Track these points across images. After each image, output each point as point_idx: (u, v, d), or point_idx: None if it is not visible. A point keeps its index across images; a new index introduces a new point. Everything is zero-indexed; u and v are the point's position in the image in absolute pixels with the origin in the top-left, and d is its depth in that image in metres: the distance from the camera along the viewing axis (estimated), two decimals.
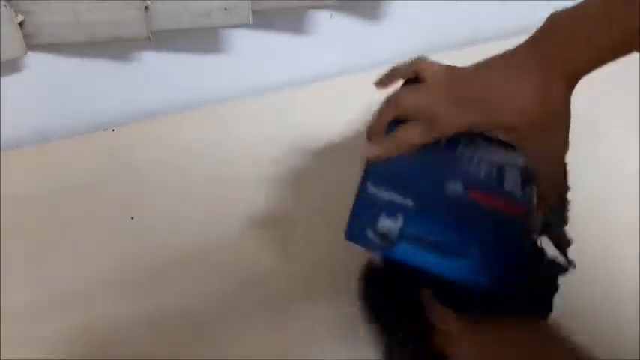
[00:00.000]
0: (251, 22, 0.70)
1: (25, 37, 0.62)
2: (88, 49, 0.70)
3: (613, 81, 0.81)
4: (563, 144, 0.44)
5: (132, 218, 0.63)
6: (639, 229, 0.64)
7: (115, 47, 0.73)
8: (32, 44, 0.64)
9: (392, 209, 0.46)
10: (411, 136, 0.45)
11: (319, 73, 0.84)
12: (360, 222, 0.47)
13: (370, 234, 0.46)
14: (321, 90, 0.80)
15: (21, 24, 0.62)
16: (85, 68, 0.73)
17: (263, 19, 0.78)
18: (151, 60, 0.76)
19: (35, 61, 0.69)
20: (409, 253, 0.46)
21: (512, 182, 0.47)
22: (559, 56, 0.41)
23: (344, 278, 0.57)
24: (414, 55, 0.49)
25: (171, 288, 0.56)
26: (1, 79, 0.69)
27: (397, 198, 0.47)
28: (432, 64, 0.46)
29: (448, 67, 0.46)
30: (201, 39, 0.78)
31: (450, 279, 0.46)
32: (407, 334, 0.51)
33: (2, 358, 0.50)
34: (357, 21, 0.85)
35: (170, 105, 0.79)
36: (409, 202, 0.46)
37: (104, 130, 0.74)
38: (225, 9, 0.68)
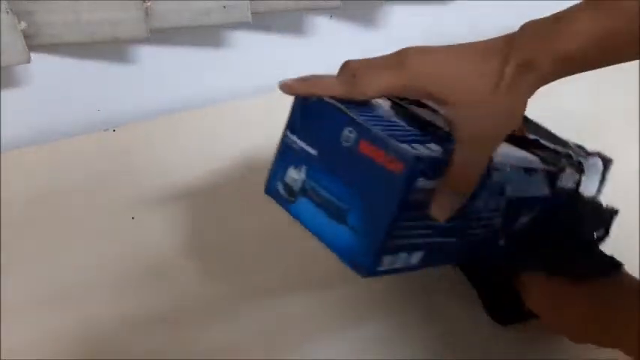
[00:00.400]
0: (250, 20, 0.70)
1: (26, 37, 0.62)
2: (88, 49, 0.70)
3: (613, 81, 0.82)
4: (496, 137, 0.41)
5: (132, 218, 0.63)
6: (639, 229, 0.64)
7: (114, 47, 0.73)
8: (32, 44, 0.64)
9: (299, 159, 0.40)
10: (329, 85, 0.42)
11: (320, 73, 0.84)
12: (274, 174, 0.42)
13: (280, 187, 0.41)
14: None
15: (23, 31, 0.62)
16: (85, 68, 0.73)
17: (263, 20, 0.78)
18: (151, 60, 0.76)
19: (35, 61, 0.69)
20: (305, 211, 0.40)
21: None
22: (527, 54, 0.40)
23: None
24: None
25: (171, 288, 0.56)
26: (1, 79, 0.69)
27: (304, 146, 0.41)
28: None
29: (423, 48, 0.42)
30: (202, 39, 0.78)
31: (336, 253, 0.39)
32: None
33: (2, 358, 0.50)
34: (357, 22, 0.85)
35: (170, 105, 0.79)
36: (313, 151, 0.40)
37: (104, 130, 0.74)
38: (225, 7, 0.68)
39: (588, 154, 0.57)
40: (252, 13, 0.70)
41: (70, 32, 0.64)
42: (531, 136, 0.53)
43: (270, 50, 0.82)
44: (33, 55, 0.66)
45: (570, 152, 0.54)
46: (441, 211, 0.39)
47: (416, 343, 0.53)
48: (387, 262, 0.39)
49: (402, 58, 0.41)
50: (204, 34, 0.77)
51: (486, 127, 0.40)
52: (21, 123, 0.73)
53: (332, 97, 0.40)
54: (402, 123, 0.41)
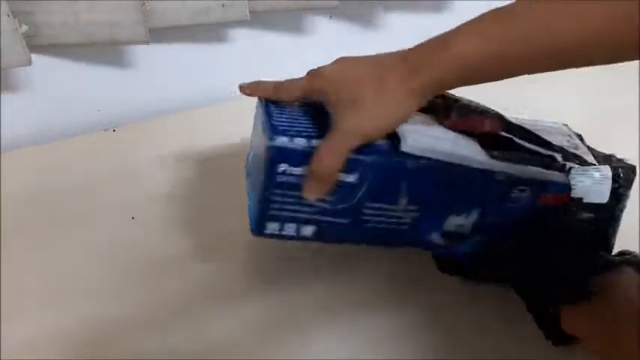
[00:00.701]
0: (249, 18, 0.70)
1: (25, 38, 0.62)
2: (88, 49, 0.70)
3: (613, 81, 0.81)
4: (364, 135, 0.46)
5: (132, 218, 0.63)
6: (639, 229, 0.64)
7: (114, 47, 0.73)
8: (32, 45, 0.64)
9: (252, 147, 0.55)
10: (266, 89, 0.53)
11: None
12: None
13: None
14: None
15: (24, 34, 0.62)
16: (85, 68, 0.73)
17: (262, 20, 0.78)
18: (151, 60, 0.76)
19: (35, 61, 0.69)
20: (248, 188, 0.53)
21: None
22: (413, 62, 0.45)
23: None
24: None
25: (171, 288, 0.56)
26: (2, 79, 0.69)
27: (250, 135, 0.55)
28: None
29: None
30: (201, 40, 0.78)
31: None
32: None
33: (2, 358, 0.50)
34: (356, 23, 0.85)
35: (170, 105, 0.79)
36: (253, 140, 0.55)
37: (104, 130, 0.74)
38: (223, 6, 0.68)
39: (609, 161, 0.55)
40: (250, 12, 0.70)
41: (69, 33, 0.64)
42: (504, 135, 0.52)
43: (270, 50, 0.82)
44: (33, 56, 0.66)
45: (556, 155, 0.53)
46: (307, 192, 0.47)
47: (417, 344, 0.53)
48: (271, 227, 0.50)
49: (324, 66, 0.49)
50: (204, 35, 0.77)
51: (358, 124, 0.46)
52: (21, 123, 0.73)
53: (267, 99, 0.52)
54: (309, 121, 0.49)
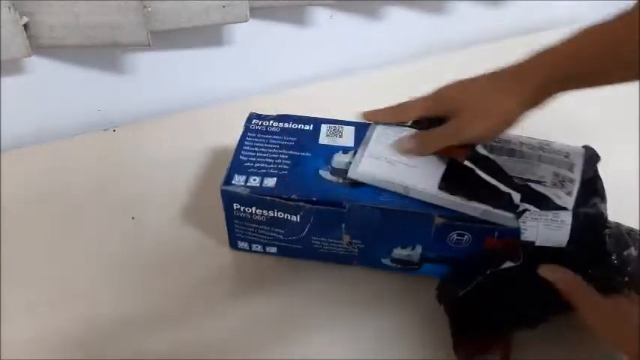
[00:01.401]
0: (249, 19, 0.70)
1: (27, 38, 0.62)
2: (88, 49, 0.70)
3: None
4: (479, 136, 0.53)
5: (132, 218, 0.63)
6: (639, 230, 0.64)
7: (114, 48, 0.73)
8: (32, 45, 0.64)
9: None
10: (383, 114, 0.59)
11: (319, 73, 0.85)
12: None
13: None
14: (322, 89, 0.80)
15: (25, 26, 0.62)
16: (85, 68, 0.73)
17: (263, 20, 0.78)
18: (151, 59, 0.76)
19: (35, 61, 0.69)
20: None
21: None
22: (523, 69, 0.51)
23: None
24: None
25: (171, 288, 0.56)
26: (2, 79, 0.69)
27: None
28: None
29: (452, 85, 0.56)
30: (202, 40, 0.78)
31: None
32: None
33: (2, 358, 0.50)
34: (357, 21, 0.85)
35: (170, 105, 0.79)
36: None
37: (104, 130, 0.74)
38: (224, 6, 0.68)
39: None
40: (251, 10, 0.70)
41: (70, 35, 0.64)
42: (467, 164, 0.53)
43: (270, 50, 0.82)
44: (33, 56, 0.66)
45: (514, 195, 0.51)
46: (399, 146, 0.55)
47: (417, 343, 0.53)
48: (242, 245, 0.58)
49: (443, 87, 0.55)
50: (204, 36, 0.77)
51: (474, 125, 0.52)
52: (21, 123, 0.73)
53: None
54: (285, 158, 0.56)
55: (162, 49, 0.75)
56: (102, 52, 0.73)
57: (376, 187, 0.52)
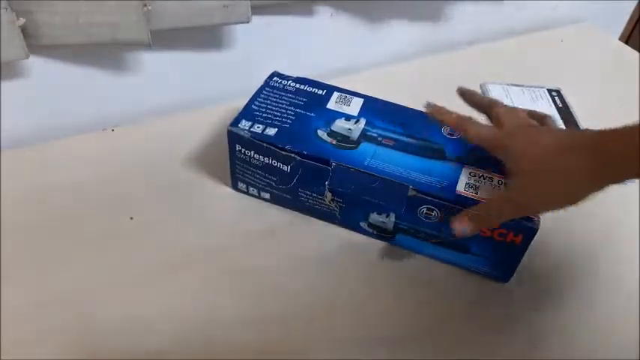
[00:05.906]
0: (250, 19, 0.70)
1: (25, 37, 0.62)
2: (88, 49, 0.70)
3: (613, 81, 0.81)
4: (540, 209, 0.50)
5: (131, 218, 0.63)
6: (639, 230, 0.64)
7: (114, 47, 0.73)
8: (32, 45, 0.64)
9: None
10: (450, 117, 0.55)
11: (320, 73, 0.85)
12: None
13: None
14: None
15: (23, 27, 0.62)
16: (85, 68, 0.73)
17: (263, 19, 0.78)
18: (151, 59, 0.76)
19: (35, 61, 0.69)
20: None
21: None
22: (611, 153, 0.44)
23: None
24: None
25: (171, 288, 0.56)
26: (1, 79, 0.69)
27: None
28: (513, 110, 0.54)
29: (525, 125, 0.52)
30: (202, 39, 0.78)
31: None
32: None
33: (2, 358, 0.50)
34: (357, 21, 0.85)
35: (170, 105, 0.79)
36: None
37: (104, 130, 0.74)
38: (226, 7, 0.68)
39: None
40: (252, 9, 0.70)
41: (70, 34, 0.64)
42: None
43: (270, 50, 0.82)
44: (33, 56, 0.66)
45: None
46: (457, 224, 0.51)
47: (417, 344, 0.53)
48: (241, 186, 0.65)
49: (514, 128, 0.51)
50: (205, 35, 0.77)
51: (529, 201, 0.48)
52: (21, 123, 0.73)
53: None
54: (292, 112, 0.62)
55: (163, 49, 0.75)
56: (102, 52, 0.73)
57: (366, 153, 0.57)
